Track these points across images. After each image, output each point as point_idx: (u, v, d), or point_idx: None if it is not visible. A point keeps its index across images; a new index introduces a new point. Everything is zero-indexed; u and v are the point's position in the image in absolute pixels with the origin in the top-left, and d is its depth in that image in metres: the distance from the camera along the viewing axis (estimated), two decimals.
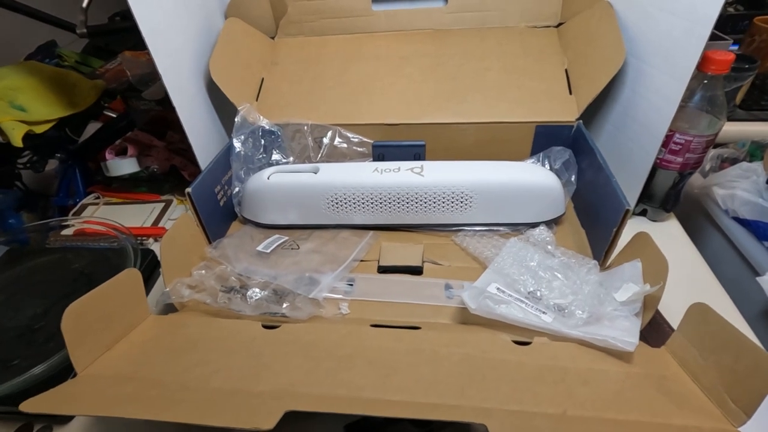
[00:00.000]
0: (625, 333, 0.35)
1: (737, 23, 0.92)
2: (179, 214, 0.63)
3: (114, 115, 0.82)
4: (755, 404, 0.25)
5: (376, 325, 0.37)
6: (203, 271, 0.43)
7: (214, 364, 0.31)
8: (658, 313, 0.41)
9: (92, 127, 0.79)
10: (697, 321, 0.31)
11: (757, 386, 0.25)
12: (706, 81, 0.45)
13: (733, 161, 0.67)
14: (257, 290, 0.41)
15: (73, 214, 0.64)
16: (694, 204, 0.63)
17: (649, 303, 0.36)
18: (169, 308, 0.41)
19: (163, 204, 0.64)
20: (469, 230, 0.49)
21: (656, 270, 0.37)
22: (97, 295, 0.31)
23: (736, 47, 0.83)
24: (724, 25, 0.92)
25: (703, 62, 0.44)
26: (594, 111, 0.57)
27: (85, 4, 0.74)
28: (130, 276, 0.34)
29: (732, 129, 0.71)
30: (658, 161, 0.50)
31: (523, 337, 0.35)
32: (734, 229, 0.56)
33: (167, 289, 0.40)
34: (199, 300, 0.40)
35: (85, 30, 0.75)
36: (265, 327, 0.35)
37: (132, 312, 0.34)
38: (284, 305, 0.39)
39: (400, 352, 0.31)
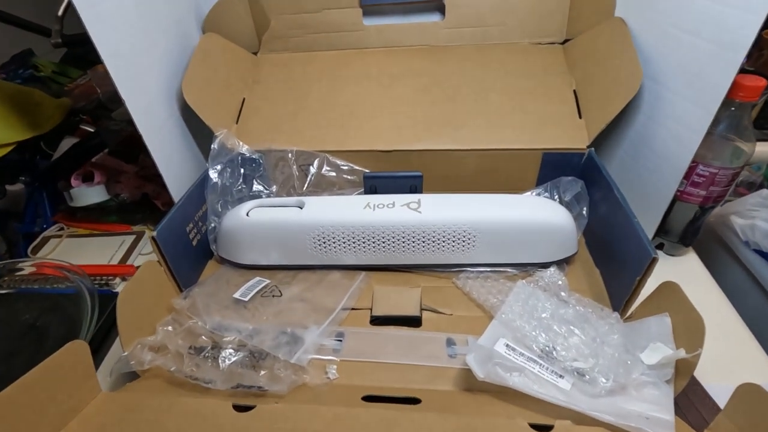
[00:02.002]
0: (657, 407, 0.30)
1: None
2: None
3: (91, 130, 0.75)
4: None
5: (369, 396, 0.32)
6: (170, 327, 0.38)
7: None
8: (695, 381, 0.36)
9: (67, 143, 0.73)
10: (747, 404, 0.26)
11: None
12: (733, 108, 0.41)
13: (749, 185, 0.63)
14: (231, 351, 0.35)
15: (33, 249, 0.58)
16: (711, 233, 0.59)
17: (683, 369, 0.32)
18: (129, 376, 0.35)
19: (134, 236, 0.58)
20: (472, 271, 0.44)
21: (689, 329, 0.32)
22: (28, 381, 0.25)
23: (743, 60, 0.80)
24: None
25: (732, 89, 0.39)
26: (604, 136, 0.52)
27: (60, 13, 0.68)
28: (75, 350, 0.29)
29: None
30: (678, 193, 0.45)
31: (541, 414, 0.30)
32: (756, 263, 0.52)
33: (125, 354, 0.35)
34: (162, 366, 0.34)
35: (59, 40, 0.69)
36: (237, 408, 0.29)
37: (77, 394, 0.29)
38: (261, 373, 0.34)
39: None
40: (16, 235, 0.67)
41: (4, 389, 0.25)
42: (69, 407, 0.28)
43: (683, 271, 0.50)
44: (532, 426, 0.28)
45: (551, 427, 0.28)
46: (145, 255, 0.56)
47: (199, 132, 0.54)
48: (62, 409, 0.28)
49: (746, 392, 0.26)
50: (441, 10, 0.57)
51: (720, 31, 0.36)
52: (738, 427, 0.26)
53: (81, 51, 0.96)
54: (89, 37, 0.52)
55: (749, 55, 0.84)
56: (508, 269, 0.44)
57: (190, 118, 0.52)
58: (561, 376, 0.33)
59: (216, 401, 0.30)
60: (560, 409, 0.30)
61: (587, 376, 0.33)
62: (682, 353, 0.31)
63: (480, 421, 0.28)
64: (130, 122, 0.66)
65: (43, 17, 0.82)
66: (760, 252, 0.52)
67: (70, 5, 0.67)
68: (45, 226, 0.64)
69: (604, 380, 0.32)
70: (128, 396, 0.31)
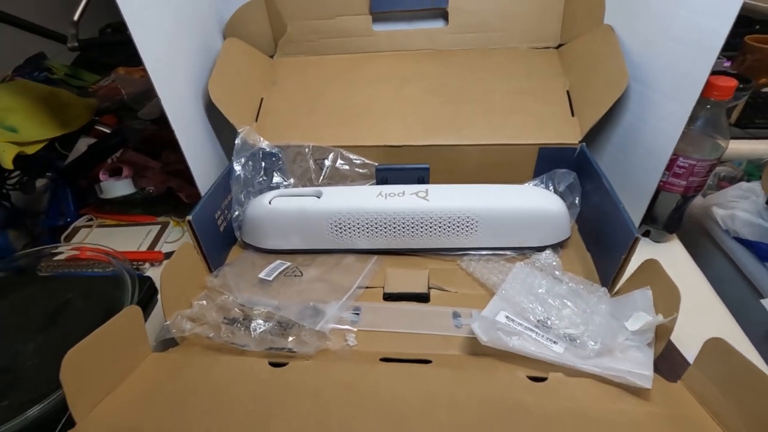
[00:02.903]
0: (639, 365, 0.35)
1: (728, 41, 0.93)
2: (176, 237, 0.61)
3: (107, 131, 0.80)
4: None
5: (385, 359, 0.36)
6: (204, 302, 0.42)
7: (219, 415, 0.29)
8: (671, 345, 0.41)
9: (83, 142, 0.77)
10: (714, 357, 0.30)
11: None
12: (709, 106, 0.45)
13: (731, 180, 0.67)
14: (261, 322, 0.40)
15: (65, 238, 0.62)
16: (694, 223, 0.63)
17: (662, 333, 0.36)
18: (169, 342, 0.39)
19: (159, 226, 0.62)
20: (475, 254, 0.49)
21: (667, 299, 0.36)
22: (96, 338, 0.29)
23: (728, 64, 0.85)
24: None
25: (707, 88, 0.44)
26: (596, 133, 0.57)
27: (76, 17, 0.72)
28: (131, 314, 0.33)
29: (729, 147, 0.72)
30: (661, 184, 0.50)
31: (537, 370, 0.34)
32: (736, 250, 0.56)
33: (167, 323, 0.39)
34: (200, 334, 0.39)
35: (76, 43, 0.73)
36: (272, 365, 0.33)
37: (132, 351, 0.33)
38: (290, 339, 0.38)
39: (415, 395, 0.30)
40: (39, 227, 0.71)
41: (71, 348, 0.29)
42: (125, 365, 0.32)
43: (668, 256, 0.53)
44: (530, 378, 0.32)
45: (546, 378, 0.32)
46: (171, 243, 0.60)
47: (220, 129, 0.58)
48: (120, 366, 0.32)
49: (713, 346, 0.31)
50: (445, 17, 0.61)
51: (697, 38, 0.41)
52: (707, 376, 0.31)
53: (94, 55, 1.00)
54: (105, 42, 0.55)
55: (734, 59, 0.89)
56: (508, 252, 0.49)
57: (213, 116, 0.56)
58: (555, 342, 0.37)
59: (253, 359, 0.34)
60: (555, 368, 0.34)
61: (578, 341, 0.37)
62: (660, 318, 0.36)
63: (485, 374, 0.32)
64: (154, 121, 0.71)
65: (47, 21, 0.86)
66: (739, 239, 0.56)
67: (85, 10, 0.71)
68: (69, 219, 0.68)
69: (592, 343, 0.36)
70: (175, 357, 0.35)
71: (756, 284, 0.53)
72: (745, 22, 1.01)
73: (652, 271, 0.39)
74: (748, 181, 0.61)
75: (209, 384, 0.31)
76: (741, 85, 0.67)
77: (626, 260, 0.40)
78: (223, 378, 0.32)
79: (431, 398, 0.30)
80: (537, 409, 0.29)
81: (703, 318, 0.47)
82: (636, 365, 0.35)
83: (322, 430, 0.27)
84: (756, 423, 0.27)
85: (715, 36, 0.39)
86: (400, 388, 0.31)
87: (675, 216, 0.52)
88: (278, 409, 0.29)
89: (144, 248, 0.59)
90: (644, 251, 0.41)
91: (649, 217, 0.53)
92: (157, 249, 0.58)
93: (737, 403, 0.28)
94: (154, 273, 0.54)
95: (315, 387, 0.31)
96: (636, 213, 0.52)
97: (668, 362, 0.39)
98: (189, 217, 0.43)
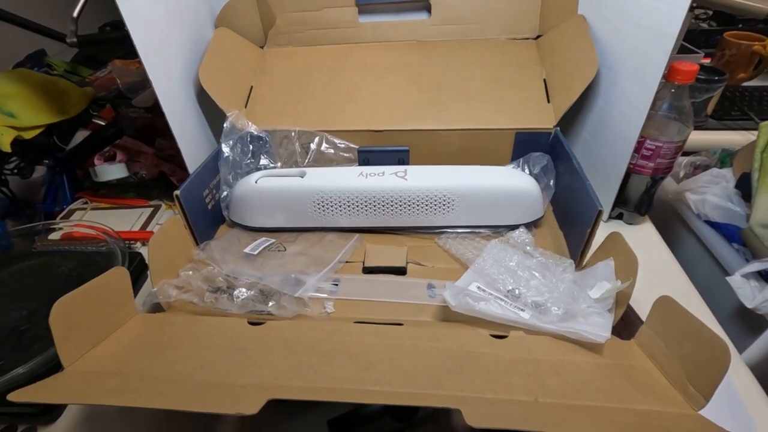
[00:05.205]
0: (598, 328, 0.37)
1: (710, 38, 0.97)
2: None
3: (102, 123, 0.82)
4: (713, 389, 0.27)
5: (360, 322, 0.38)
6: (190, 272, 0.44)
7: (200, 359, 0.31)
8: (631, 310, 0.43)
9: (80, 135, 0.80)
10: (662, 314, 0.33)
11: (714, 372, 0.27)
12: (673, 90, 0.48)
13: (705, 168, 0.70)
14: (244, 290, 0.42)
15: (61, 219, 0.64)
16: (669, 209, 0.65)
17: (621, 299, 0.38)
18: (156, 308, 0.41)
19: (151, 209, 0.64)
20: (452, 232, 0.51)
21: (627, 267, 0.39)
22: (85, 291, 0.32)
23: (706, 60, 0.87)
24: (698, 40, 0.97)
25: (671, 73, 0.46)
26: (571, 119, 0.60)
27: (75, 14, 0.75)
28: (118, 274, 0.35)
29: (704, 137, 0.74)
30: (631, 166, 0.52)
31: (501, 332, 0.36)
32: (706, 232, 0.58)
33: (154, 289, 0.41)
34: (186, 300, 0.41)
35: (75, 39, 0.76)
36: (251, 323, 0.36)
37: (119, 310, 0.35)
38: (270, 304, 0.40)
39: (381, 346, 0.32)
40: (37, 216, 0.74)
41: (59, 299, 0.31)
42: (112, 321, 0.34)
43: (640, 238, 0.56)
44: (492, 336, 0.34)
45: (507, 336, 0.34)
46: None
47: (210, 116, 0.60)
48: (106, 321, 0.34)
49: (661, 304, 0.33)
50: (428, 9, 0.64)
51: (656, 24, 0.43)
52: (656, 333, 0.33)
53: (91, 51, 1.03)
54: (103, 38, 0.56)
55: (713, 55, 0.92)
56: (483, 230, 0.51)
57: (204, 103, 0.59)
58: (522, 310, 0.39)
59: (233, 319, 0.36)
60: (517, 328, 0.36)
61: (542, 307, 0.39)
62: (619, 284, 0.38)
63: (449, 331, 0.34)
64: (148, 110, 0.73)
65: (48, 20, 0.89)
66: (709, 222, 0.59)
67: (84, 7, 0.74)
68: (65, 206, 0.71)
69: (556, 308, 0.38)
70: (160, 316, 0.38)
71: (723, 263, 0.55)
72: (726, 21, 1.04)
73: (614, 243, 0.41)
74: (721, 168, 0.64)
75: (191, 337, 0.34)
76: (716, 77, 0.70)
77: (592, 233, 0.43)
78: (204, 332, 0.34)
79: (396, 349, 0.32)
80: (492, 358, 0.31)
81: (671, 294, 0.49)
82: (595, 327, 0.37)
83: (294, 373, 0.29)
84: (692, 368, 0.29)
85: (671, 21, 0.41)
86: (369, 341, 0.33)
87: (645, 198, 0.55)
88: (254, 355, 0.31)
89: (136, 229, 0.61)
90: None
91: (621, 200, 0.56)
92: (148, 230, 0.60)
93: (678, 352, 0.30)
94: (145, 251, 0.56)
95: (289, 339, 0.33)
96: (608, 195, 0.54)
97: (630, 329, 0.41)
98: (177, 192, 0.45)
